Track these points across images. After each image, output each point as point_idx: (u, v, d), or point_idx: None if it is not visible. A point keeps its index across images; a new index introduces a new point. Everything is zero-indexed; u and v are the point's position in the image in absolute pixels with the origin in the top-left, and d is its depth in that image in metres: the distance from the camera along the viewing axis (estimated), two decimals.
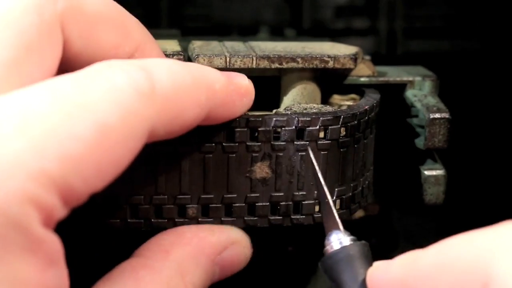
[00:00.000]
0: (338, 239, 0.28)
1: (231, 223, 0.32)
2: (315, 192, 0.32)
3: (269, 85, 0.37)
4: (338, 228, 0.29)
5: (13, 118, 0.22)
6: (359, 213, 0.38)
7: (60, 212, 0.23)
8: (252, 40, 0.39)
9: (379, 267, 0.27)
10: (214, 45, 0.36)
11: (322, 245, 0.29)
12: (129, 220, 0.31)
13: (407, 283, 0.25)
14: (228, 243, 0.31)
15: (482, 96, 0.66)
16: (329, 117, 0.31)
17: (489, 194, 0.59)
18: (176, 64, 0.27)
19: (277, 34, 0.63)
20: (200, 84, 0.27)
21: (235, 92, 0.30)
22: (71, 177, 0.22)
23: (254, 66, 0.34)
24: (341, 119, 0.31)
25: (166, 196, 0.31)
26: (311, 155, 0.31)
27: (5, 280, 0.21)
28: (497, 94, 0.66)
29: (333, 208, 0.30)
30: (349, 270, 0.27)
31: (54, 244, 0.23)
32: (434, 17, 0.66)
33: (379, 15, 0.65)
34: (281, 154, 0.31)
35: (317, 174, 0.31)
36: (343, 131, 0.32)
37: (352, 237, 0.28)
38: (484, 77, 0.66)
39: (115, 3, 0.29)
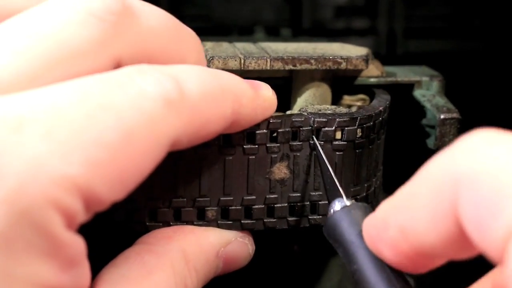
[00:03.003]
0: (340, 204, 0.29)
1: (251, 226, 0.33)
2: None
3: (278, 86, 0.38)
4: (340, 196, 0.30)
5: (38, 119, 0.23)
6: None
7: (82, 217, 0.23)
8: (249, 41, 0.40)
9: (370, 215, 0.27)
10: (226, 47, 0.37)
11: (328, 244, 0.30)
12: (147, 224, 0.31)
13: (387, 220, 0.25)
14: (232, 237, 0.32)
15: (483, 96, 0.68)
16: (345, 118, 0.32)
17: None
18: (206, 74, 0.28)
19: (274, 34, 0.64)
20: (227, 97, 0.28)
21: (259, 107, 0.30)
22: (94, 182, 0.23)
23: (268, 68, 0.35)
24: (357, 121, 0.33)
25: (185, 199, 0.31)
26: (314, 138, 0.32)
27: (22, 281, 0.22)
28: (498, 94, 0.68)
29: (335, 178, 0.31)
30: (351, 226, 0.28)
31: (76, 245, 0.23)
32: (434, 17, 0.68)
33: (379, 15, 0.67)
34: (298, 154, 0.32)
35: (319, 149, 0.32)
36: (359, 132, 0.33)
37: (353, 201, 0.30)
38: (485, 77, 0.68)
39: (174, 31, 0.29)
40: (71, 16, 0.26)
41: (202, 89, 0.27)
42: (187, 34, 0.30)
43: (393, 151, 0.39)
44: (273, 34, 0.64)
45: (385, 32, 0.67)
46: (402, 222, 0.24)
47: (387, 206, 0.25)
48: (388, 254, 0.25)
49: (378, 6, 0.67)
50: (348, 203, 0.29)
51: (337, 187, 0.31)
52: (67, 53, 0.25)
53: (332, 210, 0.30)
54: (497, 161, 0.21)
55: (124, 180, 0.24)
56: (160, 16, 0.28)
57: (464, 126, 0.41)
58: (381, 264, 0.26)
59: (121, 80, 0.25)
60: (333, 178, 0.31)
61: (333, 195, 0.31)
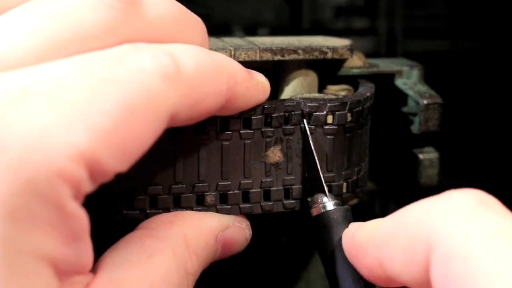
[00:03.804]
0: (322, 203, 0.32)
1: (249, 210, 0.34)
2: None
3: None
4: (323, 192, 0.32)
5: (42, 91, 0.24)
6: (353, 201, 0.41)
7: (87, 186, 0.24)
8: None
9: (349, 231, 0.30)
10: (214, 41, 0.39)
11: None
12: (148, 211, 0.33)
13: (367, 248, 0.28)
14: (230, 222, 0.33)
15: (481, 96, 0.68)
16: (336, 103, 0.34)
17: (478, 174, 0.62)
18: (201, 51, 0.29)
19: (273, 34, 0.65)
20: (222, 73, 0.29)
21: (254, 88, 0.32)
22: (98, 152, 0.24)
23: (257, 59, 0.37)
24: (348, 105, 0.34)
25: (184, 185, 0.33)
26: (305, 123, 0.34)
27: (24, 251, 0.23)
28: (496, 93, 0.68)
29: (319, 170, 0.33)
30: (330, 233, 0.31)
31: (80, 217, 0.24)
32: (434, 17, 0.69)
33: (379, 15, 0.67)
34: (291, 137, 0.34)
35: (308, 140, 0.34)
36: (349, 117, 0.35)
37: (335, 201, 0.32)
38: (484, 77, 0.69)
39: (180, 18, 0.30)
40: (81, 1, 0.27)
41: (198, 64, 0.28)
42: (193, 20, 0.31)
43: (376, 138, 0.41)
44: (273, 34, 0.65)
45: (385, 32, 0.68)
46: (380, 256, 0.27)
47: (368, 234, 0.28)
48: (363, 271, 0.28)
49: (378, 6, 0.67)
50: (330, 206, 0.32)
51: (322, 182, 0.33)
52: (75, 36, 0.27)
53: (314, 209, 0.32)
54: (471, 239, 0.23)
55: (126, 151, 0.25)
56: (167, 4, 0.30)
57: (461, 124, 0.42)
58: (355, 274, 0.29)
59: (119, 56, 0.26)
60: (318, 171, 0.33)
61: (317, 186, 0.33)
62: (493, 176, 0.64)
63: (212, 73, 0.29)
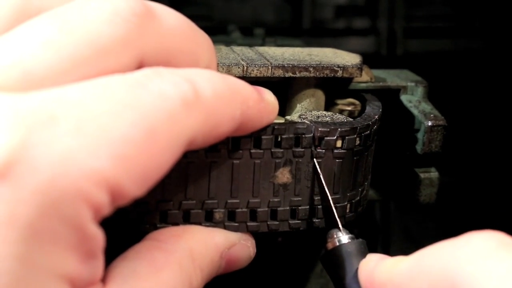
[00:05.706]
0: (337, 237, 0.32)
1: (256, 228, 0.35)
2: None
3: (273, 90, 0.40)
4: (337, 227, 0.33)
5: (68, 115, 0.24)
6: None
7: (107, 209, 0.25)
8: (249, 39, 0.41)
9: (368, 265, 0.30)
10: (225, 52, 0.39)
11: (310, 238, 0.32)
12: (158, 225, 0.33)
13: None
14: (236, 239, 0.34)
15: (481, 96, 0.69)
16: (347, 128, 0.35)
17: (474, 193, 0.63)
18: (216, 77, 0.29)
19: (274, 34, 0.65)
20: (236, 98, 0.30)
21: (264, 109, 0.32)
22: (121, 177, 0.24)
23: (269, 75, 0.37)
24: (357, 130, 0.35)
25: (194, 201, 0.33)
26: (315, 161, 0.34)
27: (44, 271, 0.23)
28: (497, 94, 0.69)
29: (333, 207, 0.34)
30: (346, 266, 0.31)
31: (99, 238, 0.25)
32: (434, 17, 0.69)
33: (379, 15, 0.68)
34: (300, 160, 0.34)
35: (319, 176, 0.34)
36: (358, 141, 0.35)
37: (350, 235, 0.33)
38: (485, 77, 0.69)
39: (191, 33, 0.31)
40: (98, 15, 0.27)
41: (215, 91, 0.28)
42: (201, 35, 0.32)
43: (380, 150, 0.41)
44: (273, 34, 0.65)
45: (385, 32, 0.68)
46: None
47: (387, 274, 0.29)
48: None
49: (378, 6, 0.68)
50: (345, 239, 0.32)
51: (335, 216, 0.34)
52: (94, 50, 0.27)
53: (330, 243, 0.33)
54: (496, 280, 0.24)
55: (146, 176, 0.25)
56: (178, 19, 0.30)
57: (458, 128, 0.42)
58: None
59: (142, 81, 0.26)
60: (331, 207, 0.34)
61: (331, 221, 0.34)
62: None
63: (228, 99, 0.29)
